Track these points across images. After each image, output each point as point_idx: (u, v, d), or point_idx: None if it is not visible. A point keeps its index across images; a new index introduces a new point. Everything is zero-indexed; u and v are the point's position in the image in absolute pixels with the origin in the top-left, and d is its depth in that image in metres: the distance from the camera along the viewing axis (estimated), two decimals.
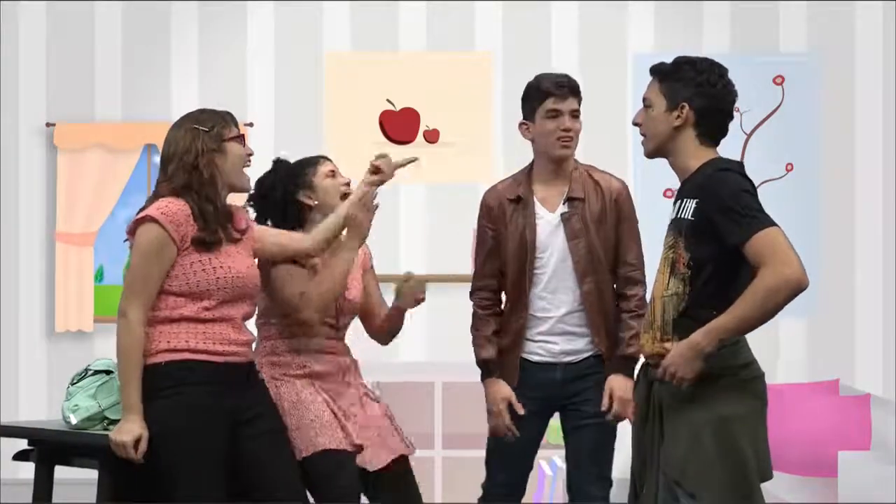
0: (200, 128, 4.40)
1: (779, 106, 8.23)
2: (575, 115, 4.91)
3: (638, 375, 4.36)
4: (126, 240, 4.42)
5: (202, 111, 4.50)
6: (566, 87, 4.92)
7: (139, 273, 4.29)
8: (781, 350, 8.20)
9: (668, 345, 4.13)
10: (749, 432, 4.12)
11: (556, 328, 4.96)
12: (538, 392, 4.97)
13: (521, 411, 4.91)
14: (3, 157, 8.29)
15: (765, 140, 8.21)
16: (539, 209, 4.95)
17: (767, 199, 8.18)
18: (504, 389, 4.96)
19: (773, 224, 3.99)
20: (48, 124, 8.23)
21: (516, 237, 4.94)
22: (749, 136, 8.18)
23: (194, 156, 4.37)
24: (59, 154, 8.21)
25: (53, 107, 8.29)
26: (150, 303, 4.31)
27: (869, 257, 8.31)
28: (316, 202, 4.86)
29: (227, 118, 4.48)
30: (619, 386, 4.87)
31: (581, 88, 4.98)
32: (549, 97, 4.91)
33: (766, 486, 6.61)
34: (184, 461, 4.25)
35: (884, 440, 6.54)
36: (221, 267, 4.36)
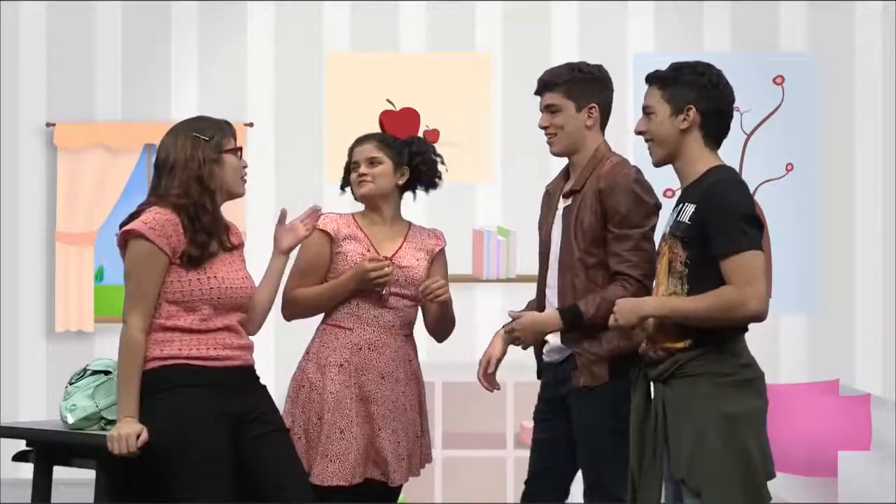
0: (201, 136, 4.36)
1: (779, 106, 8.22)
2: (551, 109, 4.68)
3: (636, 375, 4.33)
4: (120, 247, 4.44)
5: (201, 119, 4.45)
6: (539, 83, 4.75)
7: (135, 285, 4.32)
8: (781, 349, 8.19)
9: (671, 344, 4.18)
10: (754, 431, 4.15)
11: None
12: (543, 392, 4.81)
13: (492, 368, 4.72)
14: (3, 157, 8.28)
15: (765, 140, 8.20)
16: (560, 201, 4.76)
17: (767, 199, 8.26)
18: (493, 348, 4.79)
19: (756, 247, 4.06)
20: (48, 124, 8.23)
21: (541, 229, 4.85)
22: (749, 136, 8.17)
23: (197, 165, 4.33)
24: (59, 154, 8.21)
25: (53, 107, 8.29)
26: (151, 310, 4.31)
27: (869, 257, 8.31)
28: None
29: (225, 129, 4.43)
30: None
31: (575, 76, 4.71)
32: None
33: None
34: (182, 460, 4.23)
35: (884, 440, 6.53)
36: (215, 277, 4.35)
